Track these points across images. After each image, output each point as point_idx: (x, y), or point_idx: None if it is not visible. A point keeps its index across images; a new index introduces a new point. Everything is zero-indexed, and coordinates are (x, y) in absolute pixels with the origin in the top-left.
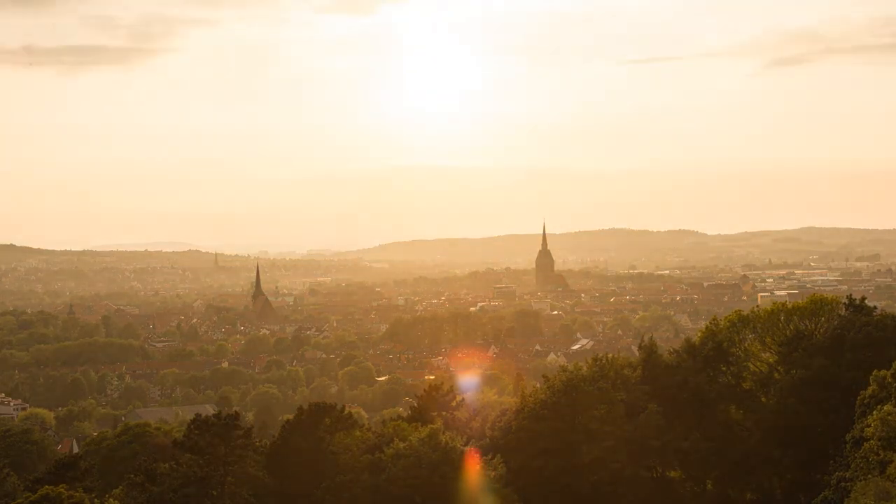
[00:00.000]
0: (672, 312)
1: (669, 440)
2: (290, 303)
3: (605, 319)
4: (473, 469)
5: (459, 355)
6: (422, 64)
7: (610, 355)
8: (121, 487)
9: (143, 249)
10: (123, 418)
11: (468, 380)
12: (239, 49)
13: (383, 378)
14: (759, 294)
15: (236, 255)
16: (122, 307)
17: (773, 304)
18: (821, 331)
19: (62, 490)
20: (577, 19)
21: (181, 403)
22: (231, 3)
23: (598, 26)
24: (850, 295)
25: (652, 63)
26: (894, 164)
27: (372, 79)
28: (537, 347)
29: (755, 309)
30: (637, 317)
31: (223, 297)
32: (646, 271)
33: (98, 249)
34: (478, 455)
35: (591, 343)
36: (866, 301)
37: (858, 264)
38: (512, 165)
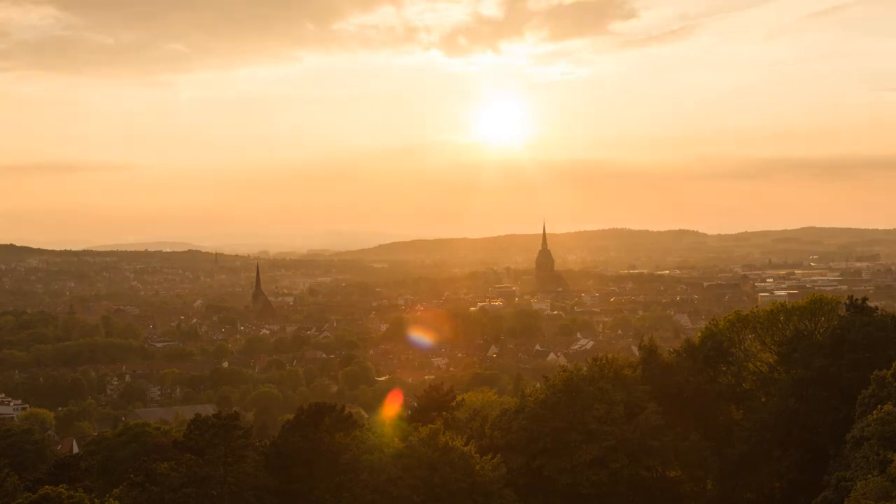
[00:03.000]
0: (672, 312)
1: (669, 440)
2: (290, 303)
3: (605, 319)
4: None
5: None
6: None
7: (610, 355)
8: (121, 487)
9: (143, 249)
10: (123, 418)
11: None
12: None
13: (383, 378)
14: (759, 294)
15: (236, 255)
16: (122, 307)
17: (773, 304)
18: (821, 331)
19: (62, 490)
20: None
21: (181, 403)
22: None
23: None
24: (851, 295)
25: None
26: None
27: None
28: (537, 347)
29: (755, 309)
30: (637, 317)
31: (223, 297)
32: (646, 271)
33: (98, 249)
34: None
35: (591, 343)
36: (866, 301)
37: (858, 264)
38: (513, 164)
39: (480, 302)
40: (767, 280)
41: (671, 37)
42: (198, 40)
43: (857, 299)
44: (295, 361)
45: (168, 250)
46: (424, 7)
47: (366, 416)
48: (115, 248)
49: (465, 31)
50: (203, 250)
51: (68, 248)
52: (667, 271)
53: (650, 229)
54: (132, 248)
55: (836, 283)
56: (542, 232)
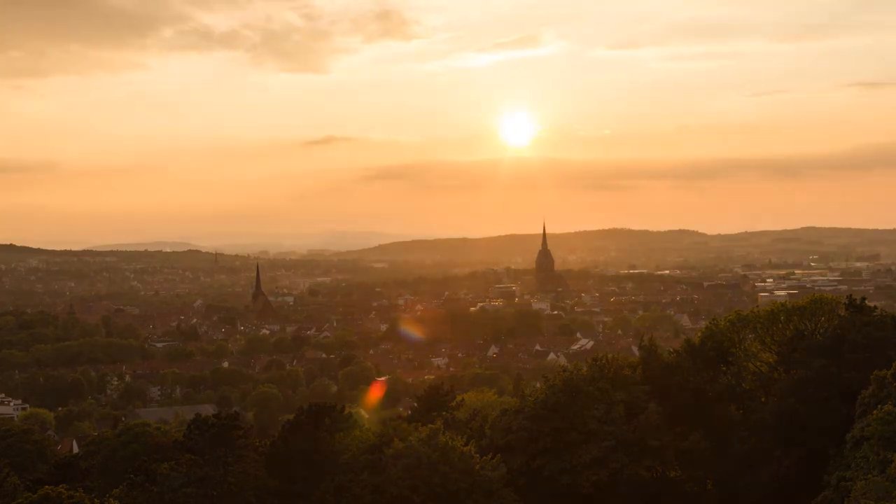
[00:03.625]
0: (672, 312)
1: (669, 440)
2: (290, 303)
3: (605, 319)
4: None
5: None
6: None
7: (610, 355)
8: (121, 487)
9: (143, 249)
10: (123, 418)
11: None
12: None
13: (383, 378)
14: (759, 294)
15: (236, 255)
16: (122, 307)
17: (773, 304)
18: (821, 331)
19: (62, 490)
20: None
21: (181, 403)
22: None
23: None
24: (850, 295)
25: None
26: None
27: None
28: (537, 347)
29: (755, 309)
30: (637, 317)
31: (223, 297)
32: (646, 271)
33: (98, 249)
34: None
35: (591, 343)
36: (866, 301)
37: (858, 264)
38: (513, 163)
39: (480, 302)
40: (767, 280)
41: (523, 42)
42: (33, 48)
43: (856, 299)
44: (295, 361)
45: (168, 250)
46: (221, 16)
47: (366, 416)
48: (115, 248)
49: (280, 37)
50: (203, 250)
51: (68, 248)
52: (667, 271)
53: (650, 229)
54: (132, 248)
55: (836, 283)
56: (542, 232)
